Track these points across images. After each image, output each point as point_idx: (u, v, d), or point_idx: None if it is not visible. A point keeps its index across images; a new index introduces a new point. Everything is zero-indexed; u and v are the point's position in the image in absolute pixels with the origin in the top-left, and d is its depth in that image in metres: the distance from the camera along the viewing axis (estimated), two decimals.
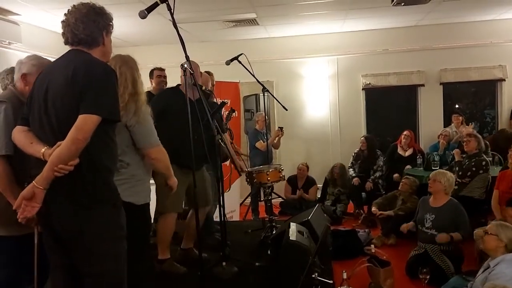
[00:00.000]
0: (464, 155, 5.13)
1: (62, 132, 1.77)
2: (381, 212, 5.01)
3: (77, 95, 1.77)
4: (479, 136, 5.10)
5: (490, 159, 5.51)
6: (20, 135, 1.93)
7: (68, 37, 1.92)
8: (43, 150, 1.80)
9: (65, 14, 1.93)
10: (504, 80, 6.92)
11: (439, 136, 6.23)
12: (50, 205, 1.80)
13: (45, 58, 2.48)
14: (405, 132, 6.39)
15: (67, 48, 1.98)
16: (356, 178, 6.28)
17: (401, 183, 5.28)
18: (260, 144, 6.05)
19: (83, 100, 1.76)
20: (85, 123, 1.74)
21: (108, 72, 1.86)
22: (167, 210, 3.29)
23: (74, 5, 1.92)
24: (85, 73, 1.79)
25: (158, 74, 4.52)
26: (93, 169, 1.84)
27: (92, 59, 1.89)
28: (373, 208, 5.17)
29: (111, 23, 2.00)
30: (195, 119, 2.81)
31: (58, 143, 1.75)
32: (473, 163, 4.88)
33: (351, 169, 6.53)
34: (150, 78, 4.56)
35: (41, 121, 1.88)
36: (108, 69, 1.88)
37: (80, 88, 1.77)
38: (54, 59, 2.01)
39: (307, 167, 6.71)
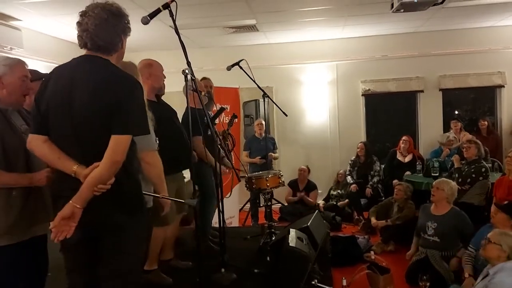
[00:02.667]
0: (463, 162, 5.12)
1: (94, 148, 1.78)
2: (380, 223, 5.05)
3: (107, 114, 1.75)
4: (479, 142, 5.08)
5: (490, 165, 5.51)
6: (43, 146, 1.86)
7: (86, 43, 1.84)
8: (75, 168, 1.78)
9: (81, 16, 1.84)
10: (503, 86, 6.94)
11: (443, 144, 6.23)
12: (91, 209, 1.79)
13: (14, 58, 2.39)
14: (403, 137, 6.41)
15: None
16: (354, 185, 6.31)
17: (395, 190, 5.28)
18: (243, 157, 6.19)
19: (114, 120, 1.75)
20: (120, 144, 1.77)
21: (134, 86, 1.84)
22: (164, 223, 3.12)
23: (93, 9, 1.82)
24: (114, 92, 1.77)
25: None
26: (127, 176, 1.88)
27: (117, 73, 1.86)
28: (373, 221, 5.19)
29: (129, 24, 1.95)
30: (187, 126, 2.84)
31: (95, 164, 1.75)
32: (472, 170, 4.87)
33: (348, 176, 6.58)
34: None
35: (65, 134, 1.83)
36: (133, 82, 1.86)
37: (110, 107, 1.75)
38: (70, 62, 1.91)
39: (308, 169, 6.69)
